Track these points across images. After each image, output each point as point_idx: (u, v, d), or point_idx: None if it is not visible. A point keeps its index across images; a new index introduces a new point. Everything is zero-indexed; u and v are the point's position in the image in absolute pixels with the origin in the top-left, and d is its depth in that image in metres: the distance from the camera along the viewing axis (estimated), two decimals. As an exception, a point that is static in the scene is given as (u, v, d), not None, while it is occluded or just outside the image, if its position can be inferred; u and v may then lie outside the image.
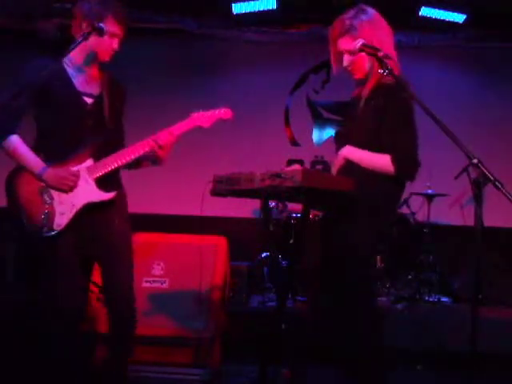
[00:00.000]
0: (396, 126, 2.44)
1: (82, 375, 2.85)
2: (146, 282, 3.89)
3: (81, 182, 2.66)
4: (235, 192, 2.56)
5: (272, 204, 5.17)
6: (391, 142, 2.44)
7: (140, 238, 4.07)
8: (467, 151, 2.10)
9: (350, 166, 2.53)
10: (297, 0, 5.84)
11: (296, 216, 5.05)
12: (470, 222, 2.21)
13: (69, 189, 2.63)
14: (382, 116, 2.45)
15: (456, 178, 4.27)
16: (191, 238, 4.08)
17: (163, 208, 6.15)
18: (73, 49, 2.62)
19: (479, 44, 6.17)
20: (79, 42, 2.60)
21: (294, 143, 6.43)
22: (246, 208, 5.65)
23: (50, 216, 2.59)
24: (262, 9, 5.81)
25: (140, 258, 3.92)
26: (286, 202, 5.16)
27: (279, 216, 5.27)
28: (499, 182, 2.03)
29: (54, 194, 2.63)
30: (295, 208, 5.13)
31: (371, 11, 2.55)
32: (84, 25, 2.66)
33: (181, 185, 6.07)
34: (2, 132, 2.63)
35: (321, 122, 6.45)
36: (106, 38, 2.66)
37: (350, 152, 2.53)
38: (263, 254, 5.30)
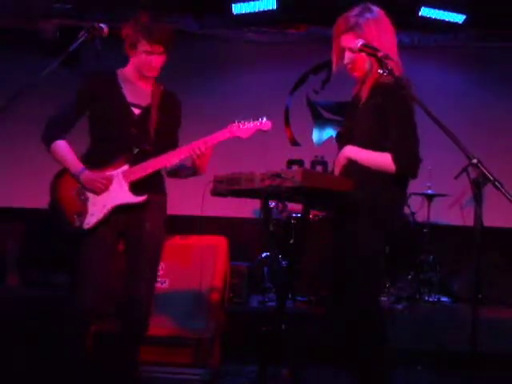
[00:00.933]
0: (396, 124, 2.44)
1: (87, 374, 2.90)
2: (146, 281, 3.88)
3: (114, 186, 2.82)
4: (235, 192, 2.56)
5: (272, 204, 5.17)
6: (392, 140, 2.44)
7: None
8: (467, 151, 2.10)
9: (352, 165, 2.52)
10: (297, 0, 5.84)
11: (296, 216, 5.05)
12: (470, 222, 2.21)
13: (100, 191, 2.79)
14: (382, 115, 2.45)
15: (456, 178, 4.27)
16: (191, 238, 4.08)
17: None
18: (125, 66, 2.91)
19: (479, 44, 6.17)
20: (80, 42, 2.65)
21: (294, 143, 6.43)
22: (246, 208, 5.65)
23: (82, 215, 2.78)
24: (262, 9, 5.81)
25: (140, 257, 3.93)
26: (286, 202, 5.16)
27: (279, 216, 5.27)
28: (499, 182, 2.03)
29: (90, 195, 2.81)
30: (295, 208, 5.13)
31: (377, 10, 2.55)
32: (127, 46, 2.89)
33: (181, 185, 6.06)
34: (49, 139, 2.84)
35: (321, 122, 6.45)
36: (143, 55, 2.85)
37: (352, 151, 2.53)
38: (263, 254, 5.30)
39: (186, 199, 5.04)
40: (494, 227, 5.24)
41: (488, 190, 2.10)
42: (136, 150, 2.83)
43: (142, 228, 2.86)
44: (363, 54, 2.44)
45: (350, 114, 2.66)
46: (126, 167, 2.83)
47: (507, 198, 2.01)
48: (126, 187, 2.81)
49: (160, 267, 3.92)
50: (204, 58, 6.40)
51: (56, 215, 2.83)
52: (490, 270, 5.15)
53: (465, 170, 2.21)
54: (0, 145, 6.27)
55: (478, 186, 2.08)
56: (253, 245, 5.54)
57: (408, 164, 2.44)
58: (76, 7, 5.71)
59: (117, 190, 2.81)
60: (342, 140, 2.65)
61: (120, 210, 2.80)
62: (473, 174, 2.10)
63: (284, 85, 6.42)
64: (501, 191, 2.02)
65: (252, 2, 5.76)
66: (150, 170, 2.81)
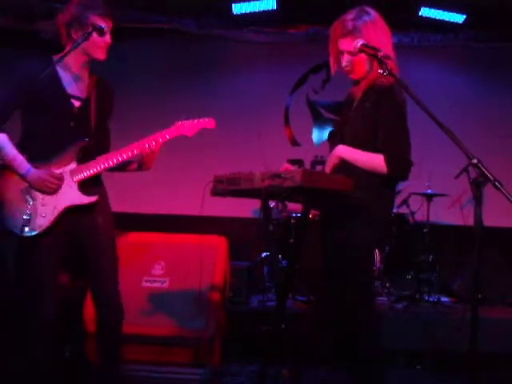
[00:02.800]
0: (388, 126, 2.45)
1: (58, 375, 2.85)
2: (146, 281, 3.89)
3: (64, 185, 2.68)
4: (235, 192, 2.56)
5: (272, 204, 5.17)
6: (384, 142, 2.44)
7: (140, 238, 4.08)
8: (467, 151, 2.10)
9: (343, 165, 2.53)
10: (297, 0, 5.84)
11: (296, 216, 5.05)
12: (470, 221, 2.21)
13: (52, 191, 2.65)
14: (375, 116, 2.45)
15: (456, 177, 4.26)
16: (191, 238, 4.08)
17: (163, 208, 6.15)
18: (69, 52, 2.66)
19: (479, 44, 6.17)
20: (78, 44, 2.63)
21: (294, 143, 6.43)
22: (246, 208, 5.65)
23: (32, 216, 2.61)
24: (262, 9, 5.81)
25: (140, 257, 3.94)
26: (286, 202, 5.16)
27: (279, 216, 5.27)
28: (499, 182, 2.03)
29: (37, 195, 2.65)
30: (295, 208, 5.13)
31: (373, 12, 2.56)
32: (72, 31, 2.68)
33: (181, 185, 6.07)
34: None
35: (321, 121, 6.45)
36: (95, 36, 2.66)
37: (344, 151, 2.54)
38: (263, 254, 5.30)
39: (185, 199, 5.04)
40: (494, 227, 5.23)
41: (488, 189, 2.10)
42: (80, 146, 2.70)
43: (95, 225, 2.76)
44: (363, 55, 2.45)
45: (344, 114, 2.66)
46: (73, 165, 2.70)
47: (507, 198, 2.01)
48: (75, 187, 2.69)
49: (160, 267, 3.96)
50: (204, 58, 6.40)
51: (6, 217, 2.62)
52: (489, 269, 5.15)
53: (465, 169, 2.20)
54: None
55: (477, 185, 2.08)
56: (253, 245, 5.53)
57: (399, 167, 2.45)
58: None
59: (66, 190, 2.68)
60: (333, 139, 2.67)
61: (70, 210, 2.68)
62: (473, 174, 2.10)
63: (284, 85, 6.41)
64: (501, 191, 2.02)
65: (252, 2, 5.77)
66: (101, 168, 2.71)
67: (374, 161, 2.46)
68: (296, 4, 5.87)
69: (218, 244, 4.00)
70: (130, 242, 3.94)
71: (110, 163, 2.73)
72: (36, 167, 2.64)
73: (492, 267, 5.21)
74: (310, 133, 6.43)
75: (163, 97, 6.24)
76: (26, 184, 2.64)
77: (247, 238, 5.59)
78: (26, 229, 2.61)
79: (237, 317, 4.23)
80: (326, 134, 6.48)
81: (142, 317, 3.74)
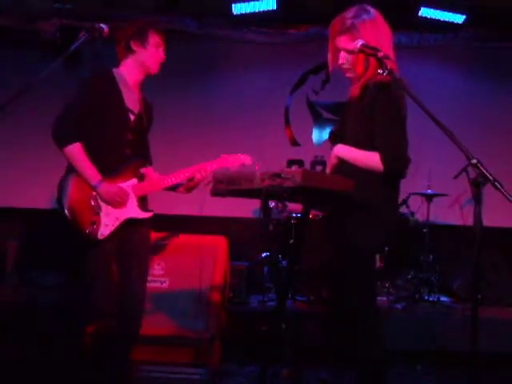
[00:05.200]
0: (385, 124, 2.44)
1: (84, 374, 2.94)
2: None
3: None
4: (235, 192, 2.56)
5: (272, 204, 5.17)
6: (380, 140, 2.44)
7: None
8: (466, 151, 2.10)
9: (343, 165, 2.54)
10: (297, 0, 5.84)
11: (296, 216, 5.05)
12: (470, 221, 2.21)
13: (118, 205, 2.85)
14: (372, 115, 2.45)
15: (455, 177, 4.27)
16: (191, 238, 4.08)
17: (164, 208, 6.14)
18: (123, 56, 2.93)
19: (479, 44, 6.16)
20: (81, 41, 2.64)
21: (294, 143, 6.42)
22: (246, 208, 5.65)
23: (97, 225, 2.80)
24: (262, 9, 5.81)
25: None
26: (286, 202, 5.16)
27: (279, 216, 5.27)
28: (498, 182, 2.03)
29: (102, 204, 2.84)
30: (295, 208, 5.13)
31: (373, 11, 2.55)
32: (132, 42, 2.91)
33: (181, 185, 6.07)
34: (67, 137, 2.79)
35: (321, 122, 6.44)
36: (152, 49, 2.92)
37: (341, 150, 2.55)
38: (263, 254, 5.30)
39: (185, 199, 5.04)
40: (494, 227, 5.23)
41: (488, 189, 2.10)
42: (139, 161, 2.96)
43: (140, 238, 2.97)
44: (361, 54, 2.44)
45: (343, 114, 2.66)
46: (134, 181, 2.93)
47: (507, 197, 2.01)
48: (135, 201, 2.92)
49: (160, 267, 3.96)
50: (204, 58, 6.40)
51: (73, 220, 2.78)
52: (489, 269, 5.15)
53: (464, 169, 2.21)
54: (0, 145, 6.27)
55: (477, 185, 2.08)
56: (253, 245, 5.53)
57: (395, 165, 2.44)
58: (76, 7, 5.71)
59: (128, 204, 2.90)
60: (334, 139, 2.67)
61: (127, 222, 2.89)
62: (472, 174, 2.10)
63: (284, 85, 6.41)
64: (500, 191, 2.02)
65: (252, 3, 5.76)
66: (158, 188, 2.99)
67: (370, 159, 2.45)
68: (296, 4, 5.87)
69: (218, 244, 4.00)
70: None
71: (168, 184, 3.01)
72: (106, 181, 2.82)
73: (492, 267, 5.21)
74: (310, 133, 6.42)
75: (163, 96, 6.23)
76: (94, 193, 2.81)
77: (247, 238, 5.58)
78: (91, 236, 2.79)
79: (237, 317, 4.23)
80: (326, 134, 6.47)
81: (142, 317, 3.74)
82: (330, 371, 3.67)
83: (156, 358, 3.62)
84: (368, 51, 2.39)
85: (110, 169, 2.85)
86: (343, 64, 2.57)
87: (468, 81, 6.50)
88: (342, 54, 2.55)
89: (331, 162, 2.58)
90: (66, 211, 2.76)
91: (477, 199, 2.10)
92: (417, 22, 5.89)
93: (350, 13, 2.53)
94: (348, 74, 2.59)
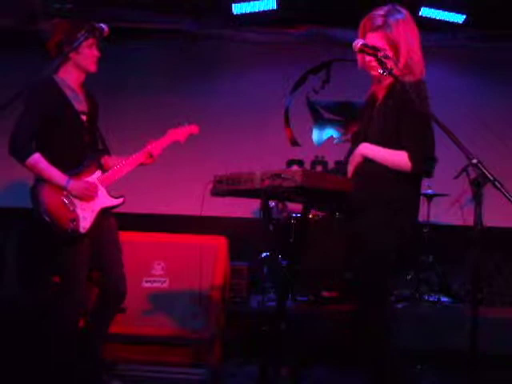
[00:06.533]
0: (412, 123, 2.41)
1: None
2: (146, 281, 3.89)
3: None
4: (235, 192, 2.56)
5: (272, 204, 5.16)
6: (408, 139, 2.42)
7: (140, 238, 4.08)
8: (467, 151, 2.10)
9: (367, 164, 2.51)
10: (297, 0, 5.84)
11: (296, 216, 5.05)
12: (470, 221, 2.21)
13: (90, 198, 3.05)
14: (398, 114, 2.43)
15: (455, 177, 4.26)
16: (191, 238, 4.08)
17: (163, 208, 6.15)
18: (61, 63, 3.01)
19: (479, 44, 6.16)
20: (80, 41, 2.65)
21: (294, 143, 6.43)
22: (246, 208, 5.65)
23: (76, 221, 2.98)
24: (262, 9, 5.80)
25: (140, 257, 3.94)
26: (286, 202, 5.16)
27: (279, 216, 5.27)
28: (499, 182, 2.02)
29: (76, 201, 3.01)
30: (295, 208, 5.13)
31: (405, 11, 2.55)
32: (64, 47, 2.97)
33: (181, 185, 6.07)
34: (25, 151, 2.96)
35: (321, 122, 6.45)
36: (85, 51, 3.02)
37: (367, 149, 2.51)
38: (263, 254, 5.30)
39: (185, 199, 5.04)
40: (494, 227, 5.23)
41: (488, 189, 2.10)
42: (99, 156, 3.17)
43: (109, 226, 3.20)
44: (386, 54, 2.43)
45: (365, 114, 2.64)
46: (99, 173, 3.12)
47: (507, 197, 2.01)
48: (104, 192, 3.13)
49: (160, 267, 3.96)
50: (204, 58, 6.40)
51: (51, 222, 2.94)
52: (490, 269, 5.15)
53: (464, 169, 2.20)
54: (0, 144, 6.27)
55: (477, 185, 2.08)
56: (253, 245, 5.53)
57: (423, 163, 2.43)
58: (76, 7, 5.71)
59: (99, 195, 3.10)
60: (357, 139, 2.62)
61: (102, 212, 3.10)
62: (472, 174, 2.10)
63: (284, 85, 6.41)
64: (501, 191, 2.02)
65: (252, 2, 5.75)
66: (120, 175, 3.16)
67: (399, 158, 2.43)
68: (296, 4, 5.86)
69: (217, 244, 4.00)
70: (130, 242, 3.93)
71: (129, 169, 3.17)
72: (73, 178, 3.00)
73: (492, 267, 5.21)
74: (310, 133, 6.43)
75: (163, 97, 6.24)
76: (65, 193, 2.98)
77: (247, 238, 5.58)
78: (74, 232, 2.97)
79: (237, 317, 4.23)
80: (326, 134, 6.48)
81: (142, 317, 3.74)
82: (330, 371, 3.67)
83: (156, 358, 3.62)
84: (368, 51, 2.39)
85: (73, 168, 3.03)
86: (370, 62, 2.51)
87: (468, 81, 6.49)
88: None
89: (355, 160, 2.54)
90: (45, 216, 2.92)
91: (477, 199, 2.09)
92: (417, 22, 5.86)
93: (381, 11, 2.52)
94: (373, 72, 2.54)
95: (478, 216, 2.09)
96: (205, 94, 6.32)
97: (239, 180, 2.48)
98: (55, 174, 2.96)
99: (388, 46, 2.47)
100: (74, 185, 2.98)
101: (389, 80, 2.51)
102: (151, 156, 3.23)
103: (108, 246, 3.19)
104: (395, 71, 2.37)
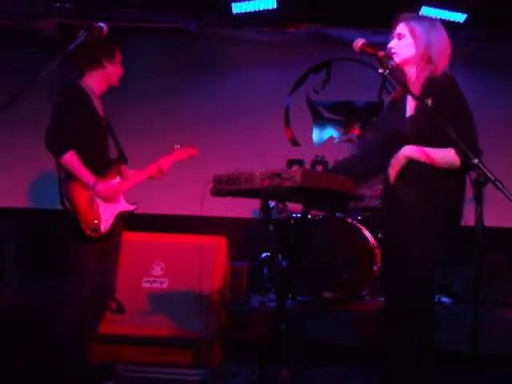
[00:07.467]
0: (454, 118, 2.36)
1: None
2: (146, 282, 3.89)
3: None
4: (235, 192, 2.56)
5: (272, 204, 5.16)
6: (452, 135, 2.38)
7: (140, 238, 4.08)
8: (467, 151, 2.09)
9: (411, 165, 2.46)
10: (297, 0, 5.83)
11: (296, 216, 5.05)
12: (471, 222, 2.20)
13: (114, 200, 3.20)
14: (441, 111, 2.35)
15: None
16: (191, 238, 4.08)
17: (163, 208, 6.14)
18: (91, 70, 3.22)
19: (479, 44, 6.16)
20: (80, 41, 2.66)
21: (294, 143, 6.42)
22: (246, 208, 5.64)
23: (99, 220, 3.11)
24: (261, 8, 5.79)
25: (140, 258, 3.94)
26: (286, 202, 5.16)
27: (279, 216, 5.27)
28: (500, 182, 2.02)
29: (99, 202, 3.14)
30: (295, 208, 5.13)
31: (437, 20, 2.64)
32: (104, 60, 3.22)
33: (181, 185, 6.06)
34: (63, 147, 3.05)
35: (321, 121, 6.44)
36: (118, 66, 3.28)
37: (413, 151, 2.45)
38: (263, 254, 5.29)
39: (185, 199, 5.04)
40: (495, 227, 5.23)
41: (488, 190, 2.09)
42: (119, 162, 3.30)
43: (120, 226, 3.31)
44: (408, 41, 2.48)
45: (398, 114, 2.58)
46: (118, 179, 3.26)
47: (508, 198, 2.01)
48: (121, 197, 3.28)
49: (160, 267, 3.96)
50: (204, 58, 6.40)
51: (77, 216, 3.04)
52: (490, 269, 5.14)
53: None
54: (0, 145, 6.26)
55: (478, 185, 2.07)
56: (253, 245, 5.53)
57: (472, 156, 2.40)
58: (76, 6, 5.70)
59: (118, 199, 3.25)
60: (394, 141, 2.55)
61: (119, 216, 3.25)
62: (473, 174, 2.09)
63: (284, 85, 6.41)
64: (502, 191, 2.01)
65: (252, 2, 5.75)
66: (135, 183, 3.33)
67: (446, 155, 2.39)
68: (296, 3, 5.86)
69: (217, 244, 3.99)
70: (129, 242, 3.93)
71: (141, 179, 3.36)
72: (101, 180, 3.13)
73: (492, 267, 5.20)
74: (310, 133, 6.43)
75: (162, 96, 6.23)
76: (91, 193, 3.10)
77: (247, 238, 5.58)
78: (97, 231, 3.09)
79: (237, 317, 4.23)
80: (326, 133, 6.48)
81: (142, 317, 3.74)
82: (330, 371, 3.66)
83: (155, 359, 3.62)
84: (368, 50, 2.38)
85: (98, 171, 3.14)
86: (392, 48, 2.51)
87: (468, 80, 6.46)
88: (395, 39, 2.55)
89: (399, 163, 2.48)
90: (71, 208, 3.03)
91: (478, 199, 2.09)
92: (417, 22, 5.87)
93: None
94: (394, 59, 2.49)
95: (479, 216, 2.09)
96: (205, 94, 6.32)
97: (239, 180, 2.48)
98: (85, 174, 3.07)
99: (409, 33, 2.52)
100: (102, 186, 3.11)
101: (420, 79, 2.49)
102: (161, 171, 3.40)
103: (110, 248, 3.26)
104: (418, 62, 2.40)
